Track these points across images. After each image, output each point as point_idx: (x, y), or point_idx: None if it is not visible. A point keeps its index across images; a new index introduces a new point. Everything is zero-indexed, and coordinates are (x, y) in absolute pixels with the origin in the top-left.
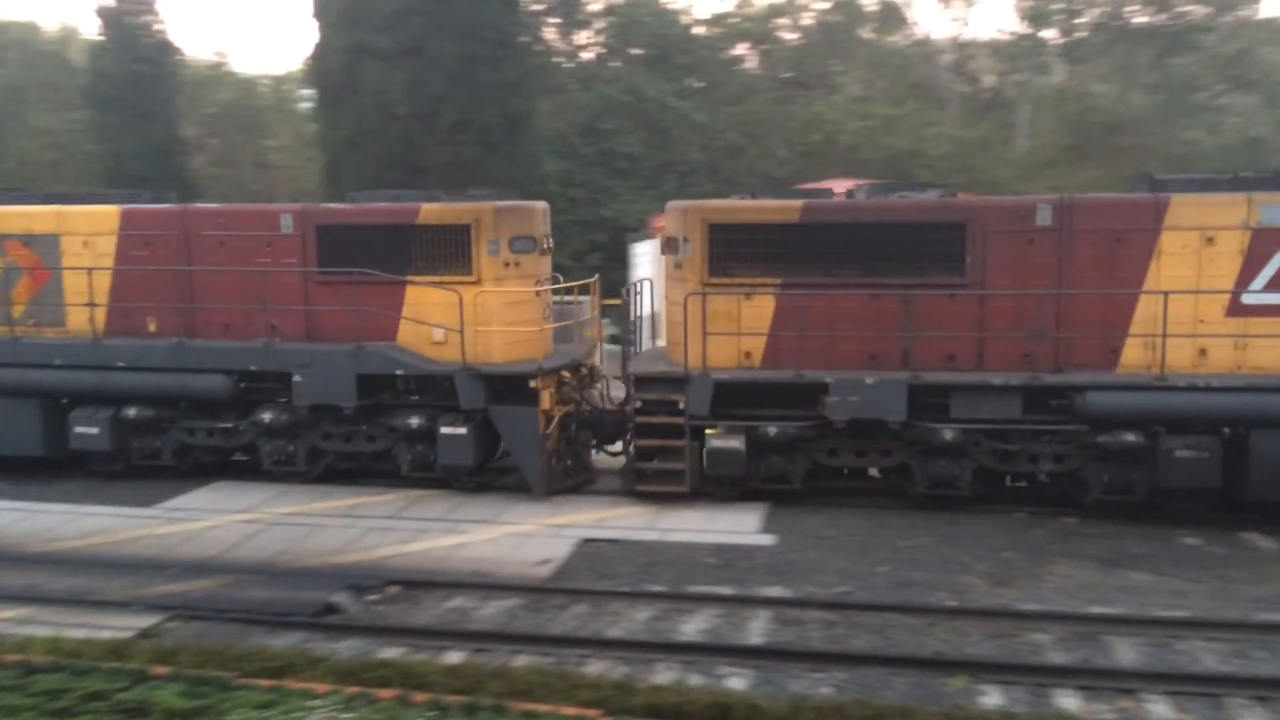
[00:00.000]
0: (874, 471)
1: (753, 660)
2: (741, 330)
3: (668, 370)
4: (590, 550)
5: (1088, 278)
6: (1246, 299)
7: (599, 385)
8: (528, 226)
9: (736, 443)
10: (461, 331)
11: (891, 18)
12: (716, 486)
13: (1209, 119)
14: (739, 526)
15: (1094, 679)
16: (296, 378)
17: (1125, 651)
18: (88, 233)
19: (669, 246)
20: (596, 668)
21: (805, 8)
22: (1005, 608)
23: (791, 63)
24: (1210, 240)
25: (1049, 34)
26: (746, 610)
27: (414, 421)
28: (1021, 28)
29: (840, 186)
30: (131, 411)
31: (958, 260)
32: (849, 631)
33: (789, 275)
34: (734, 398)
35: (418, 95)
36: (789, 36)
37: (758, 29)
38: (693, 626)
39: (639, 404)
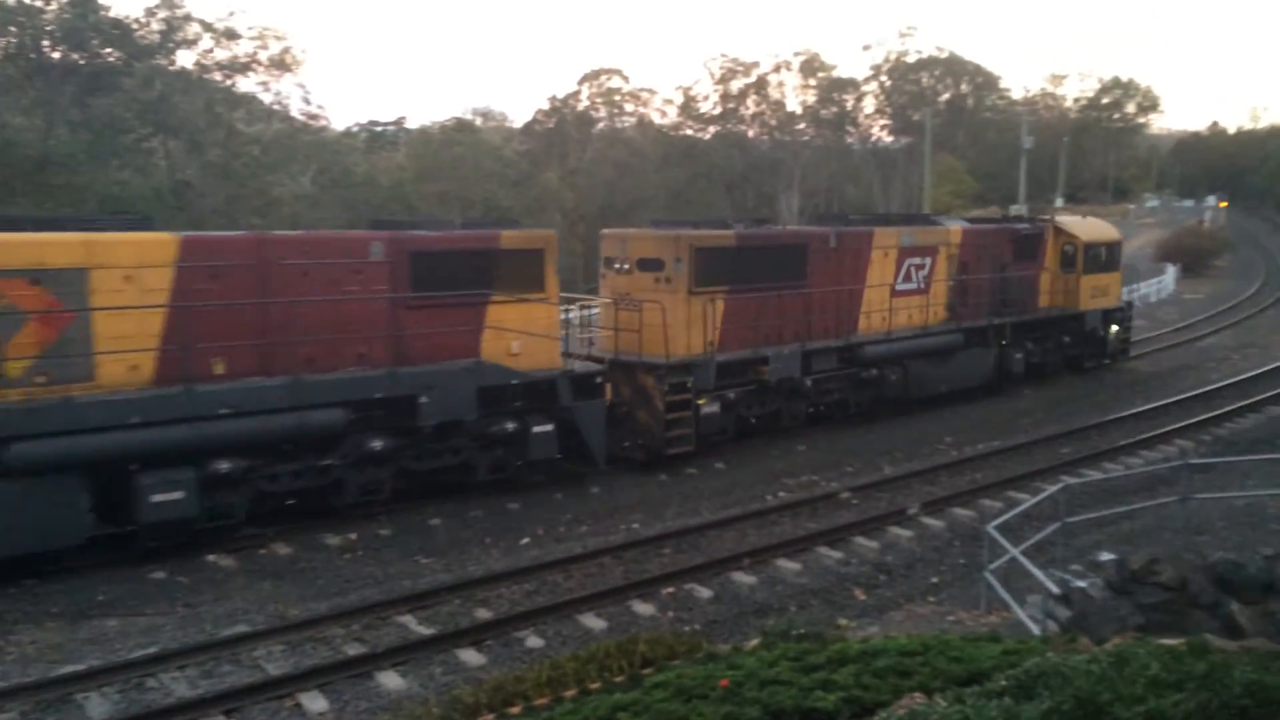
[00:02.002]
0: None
1: None
2: (707, 325)
3: (687, 358)
4: None
5: (846, 278)
6: (898, 287)
7: None
8: None
9: (717, 407)
10: (567, 340)
11: None
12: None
13: (138, 161)
14: None
15: None
16: (423, 399)
17: (99, 705)
18: (132, 265)
19: (649, 266)
20: None
21: None
22: None
23: None
24: (886, 254)
25: None
26: None
27: (510, 426)
28: None
29: None
30: (224, 465)
31: (803, 269)
32: None
33: (731, 284)
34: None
35: None
36: None
37: None
38: None
39: (668, 386)
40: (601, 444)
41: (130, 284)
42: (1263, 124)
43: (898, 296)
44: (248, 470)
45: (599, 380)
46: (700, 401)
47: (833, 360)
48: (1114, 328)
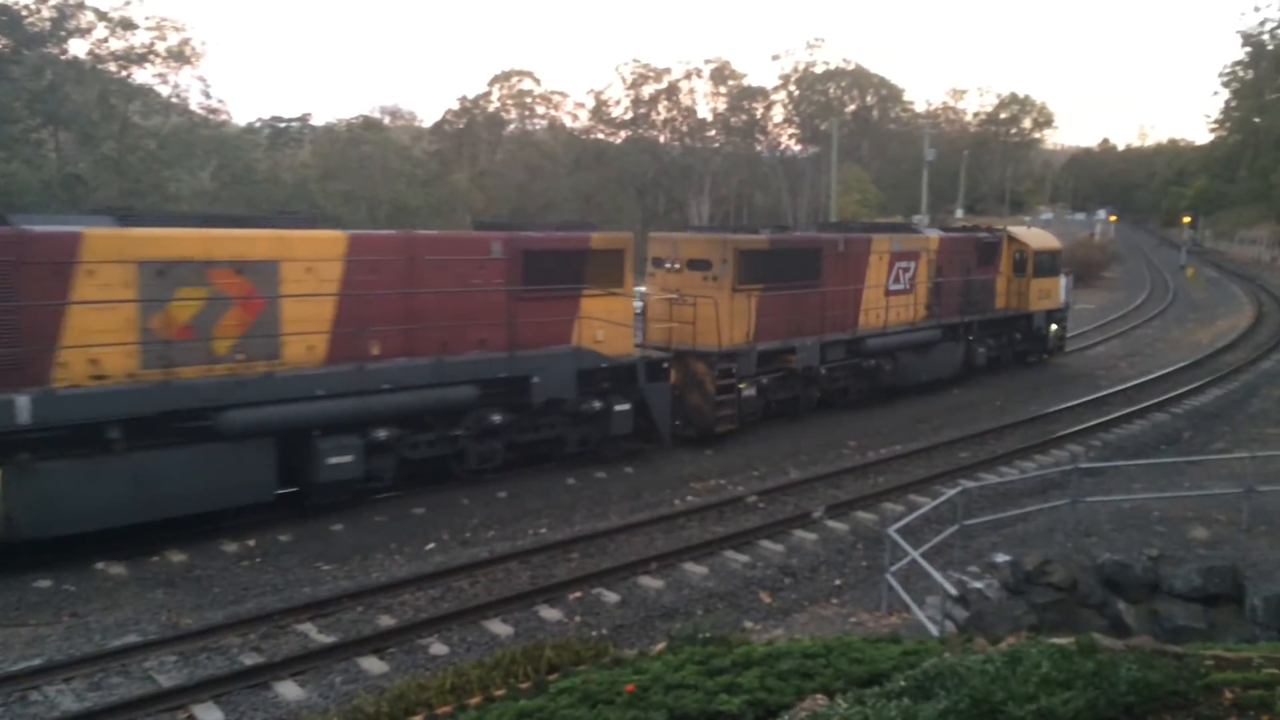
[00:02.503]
0: None
1: None
2: (748, 319)
3: (732, 347)
4: None
5: (851, 279)
6: (890, 288)
7: None
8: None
9: (754, 391)
10: (645, 329)
11: None
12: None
13: (26, 153)
14: None
15: None
16: (535, 379)
17: None
18: (312, 258)
19: (698, 266)
20: None
21: None
22: None
23: None
24: (881, 258)
25: None
26: None
27: (596, 404)
28: None
29: None
30: (382, 433)
31: (818, 271)
32: None
33: (764, 282)
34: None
35: None
36: None
37: None
38: None
39: (719, 371)
40: (668, 421)
41: (310, 275)
42: (1150, 141)
43: (890, 296)
44: (398, 438)
45: (666, 365)
46: (741, 385)
47: (842, 351)
48: (1054, 326)
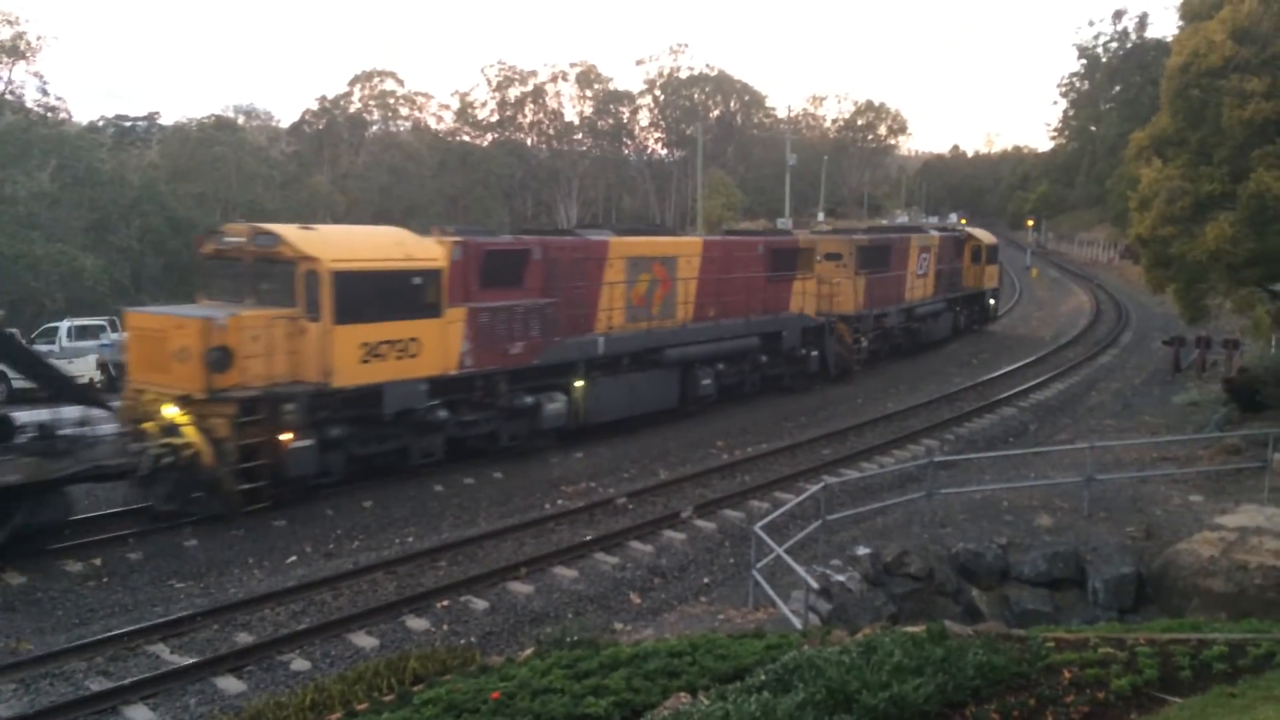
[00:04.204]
0: None
1: None
2: (864, 293)
3: (857, 313)
4: None
5: (902, 266)
6: (917, 273)
7: None
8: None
9: (866, 342)
10: (831, 300)
11: None
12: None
13: None
14: None
15: None
16: (784, 333)
17: None
18: (690, 254)
19: (833, 257)
20: None
21: None
22: None
23: None
24: (914, 251)
25: None
26: None
27: (803, 351)
28: None
29: None
30: (721, 366)
31: (889, 260)
32: None
33: (868, 268)
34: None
35: None
36: None
37: None
38: None
39: (853, 329)
40: (834, 362)
41: (688, 265)
42: (997, 148)
43: (917, 278)
44: (723, 371)
45: (835, 324)
46: (862, 339)
47: (903, 317)
48: (992, 301)
